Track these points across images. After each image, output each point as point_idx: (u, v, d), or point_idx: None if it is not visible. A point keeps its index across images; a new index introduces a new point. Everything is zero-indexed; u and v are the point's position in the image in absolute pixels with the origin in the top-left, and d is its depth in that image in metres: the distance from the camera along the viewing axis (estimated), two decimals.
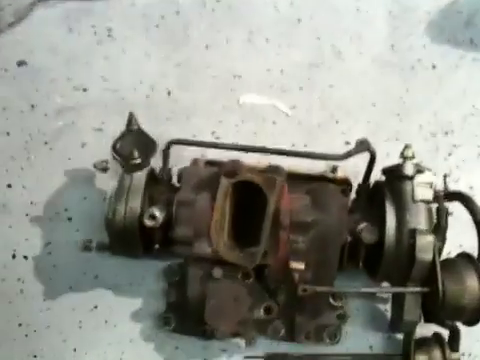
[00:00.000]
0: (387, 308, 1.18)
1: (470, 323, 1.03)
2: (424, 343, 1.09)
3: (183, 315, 1.14)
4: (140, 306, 1.20)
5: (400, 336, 1.14)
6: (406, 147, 1.08)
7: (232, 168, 1.05)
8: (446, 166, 1.31)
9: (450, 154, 1.34)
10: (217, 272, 1.06)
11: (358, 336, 1.17)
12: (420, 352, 1.08)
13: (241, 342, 1.12)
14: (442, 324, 1.07)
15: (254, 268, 1.05)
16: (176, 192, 1.10)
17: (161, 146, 1.15)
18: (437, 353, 1.07)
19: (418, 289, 1.02)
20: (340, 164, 1.14)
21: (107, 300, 1.21)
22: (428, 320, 1.07)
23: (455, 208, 1.10)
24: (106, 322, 1.19)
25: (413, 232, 1.02)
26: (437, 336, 1.10)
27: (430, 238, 1.01)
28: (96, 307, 1.20)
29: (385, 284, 1.14)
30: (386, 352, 1.16)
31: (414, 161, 1.07)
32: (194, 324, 1.10)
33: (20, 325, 1.19)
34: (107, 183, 1.15)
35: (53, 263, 1.24)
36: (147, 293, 1.21)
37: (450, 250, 1.13)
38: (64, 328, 1.19)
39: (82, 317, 1.19)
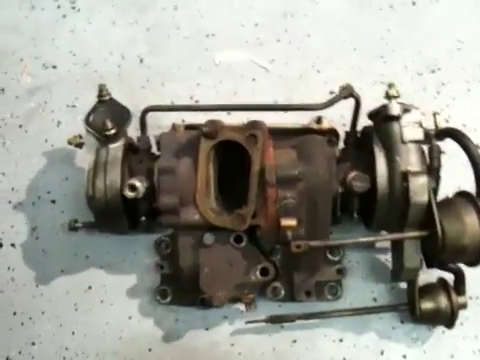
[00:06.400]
0: (388, 258, 1.15)
1: (473, 263, 0.99)
2: (429, 289, 1.07)
3: (179, 286, 1.11)
4: (135, 282, 1.18)
5: (404, 285, 1.12)
6: (389, 86, 1.03)
7: (211, 129, 1.01)
8: (436, 105, 1.26)
9: (439, 92, 1.29)
10: (208, 238, 1.03)
11: (361, 289, 1.15)
12: (425, 299, 1.06)
13: (242, 307, 1.09)
14: (445, 268, 1.04)
15: (246, 230, 1.02)
16: (156, 160, 1.05)
17: (138, 116, 1.12)
18: (443, 298, 1.05)
19: (416, 233, 0.98)
20: (326, 114, 1.10)
21: (101, 279, 1.19)
22: (430, 265, 1.03)
23: (449, 147, 1.05)
24: (102, 302, 1.17)
25: (405, 174, 0.98)
26: (442, 281, 1.07)
27: (423, 179, 0.97)
28: (90, 287, 1.19)
29: (383, 233, 1.10)
30: (391, 303, 1.13)
31: (399, 100, 1.02)
32: (191, 294, 1.08)
33: (15, 314, 1.17)
34: (88, 160, 1.10)
35: (42, 248, 1.22)
36: (141, 268, 1.19)
37: (448, 192, 1.08)
38: (59, 312, 1.17)
39: (77, 299, 1.18)
